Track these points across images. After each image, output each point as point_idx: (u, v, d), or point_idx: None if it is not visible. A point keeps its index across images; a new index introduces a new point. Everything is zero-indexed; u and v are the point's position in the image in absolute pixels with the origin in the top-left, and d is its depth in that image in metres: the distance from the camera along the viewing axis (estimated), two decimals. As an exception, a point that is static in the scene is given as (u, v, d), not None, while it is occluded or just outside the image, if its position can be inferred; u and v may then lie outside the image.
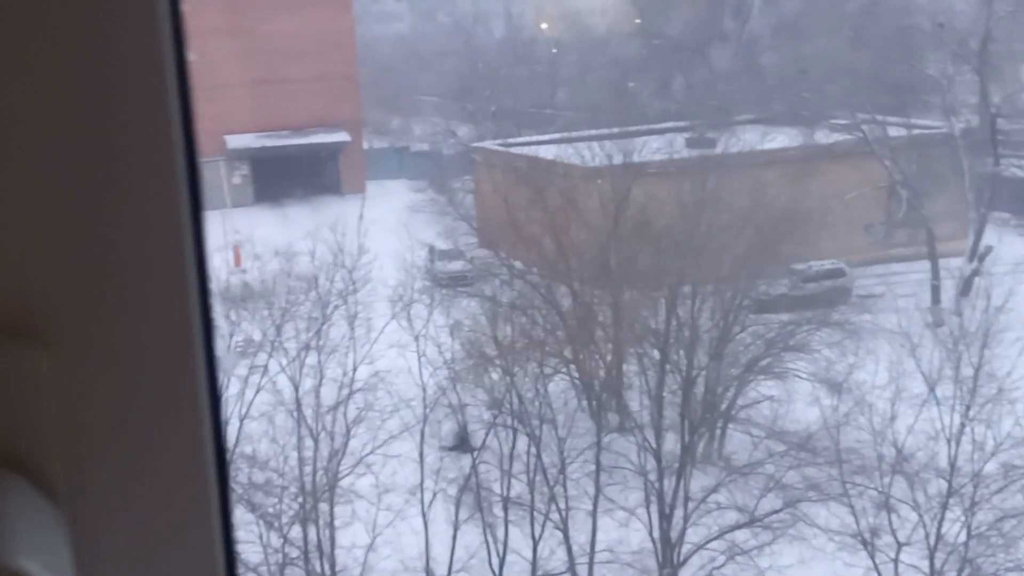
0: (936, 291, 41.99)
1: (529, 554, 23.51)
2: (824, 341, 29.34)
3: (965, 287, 39.43)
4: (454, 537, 23.23)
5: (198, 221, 1.53)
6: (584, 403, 28.41)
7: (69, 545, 1.48)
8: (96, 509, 1.54)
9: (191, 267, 1.51)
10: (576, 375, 29.01)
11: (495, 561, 23.33)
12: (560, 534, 24.41)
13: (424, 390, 24.59)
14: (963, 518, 22.93)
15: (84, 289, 1.48)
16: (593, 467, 25.29)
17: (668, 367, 27.28)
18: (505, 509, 23.81)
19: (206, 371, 1.56)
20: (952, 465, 23.16)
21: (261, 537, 22.93)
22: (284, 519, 22.88)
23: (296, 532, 22.72)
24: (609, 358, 30.28)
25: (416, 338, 25.84)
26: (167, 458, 1.60)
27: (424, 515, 23.19)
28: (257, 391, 23.99)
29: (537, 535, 23.77)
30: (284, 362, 23.90)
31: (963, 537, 22.81)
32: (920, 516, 23.12)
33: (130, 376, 1.54)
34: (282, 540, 22.73)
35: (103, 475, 1.55)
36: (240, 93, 61.17)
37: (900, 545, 23.12)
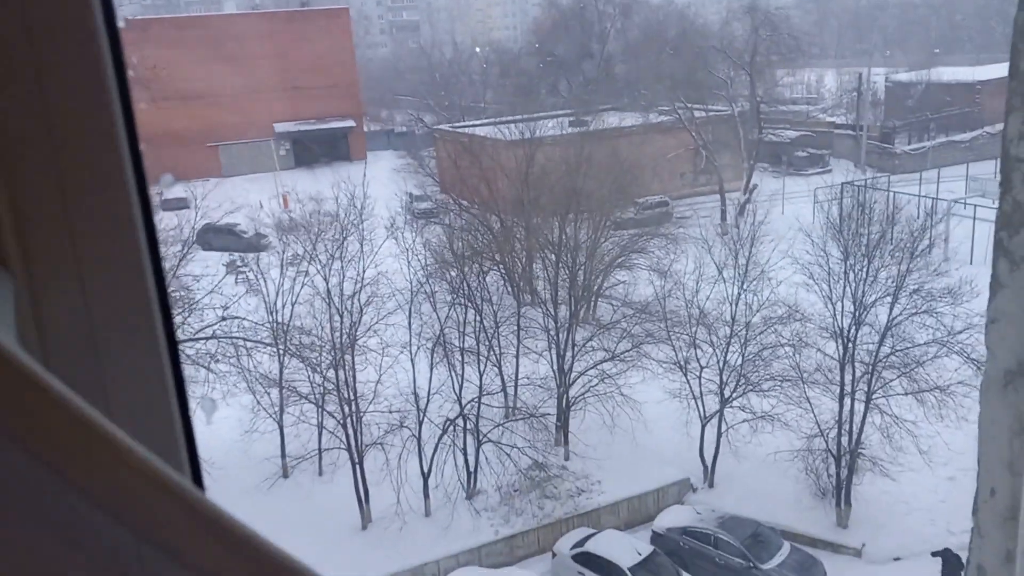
0: (723, 213, 42.84)
1: (476, 381, 23.80)
2: (656, 245, 29.79)
3: (741, 210, 40.08)
4: (431, 373, 23.38)
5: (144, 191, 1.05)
6: (508, 288, 28.64)
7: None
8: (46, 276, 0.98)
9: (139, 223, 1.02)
10: (503, 271, 29.23)
11: (456, 386, 23.51)
12: (496, 368, 24.90)
13: (411, 282, 24.61)
14: (740, 350, 23.54)
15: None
16: (515, 327, 25.69)
17: (561, 264, 27.46)
18: (461, 354, 23.99)
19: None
20: (733, 318, 23.62)
21: (308, 378, 23.08)
22: (323, 365, 23.00)
23: (331, 374, 22.93)
24: (524, 260, 30.55)
25: (403, 251, 25.86)
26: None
27: (412, 360, 23.26)
28: (301, 286, 23.93)
29: (482, 369, 24.06)
30: (318, 267, 23.77)
31: (740, 361, 23.44)
32: (714, 350, 23.68)
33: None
34: (322, 379, 22.90)
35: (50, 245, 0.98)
36: (283, 96, 59.71)
37: (702, 368, 23.72)
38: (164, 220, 26.57)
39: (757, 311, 23.56)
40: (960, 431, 21.91)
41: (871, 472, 21.83)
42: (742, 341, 23.39)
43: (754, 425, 22.99)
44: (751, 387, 23.10)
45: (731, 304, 23.64)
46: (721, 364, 23.34)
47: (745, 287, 23.71)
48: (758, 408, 23.00)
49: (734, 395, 23.26)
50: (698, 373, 23.62)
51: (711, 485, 23.64)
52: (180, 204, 40.87)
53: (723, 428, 23.33)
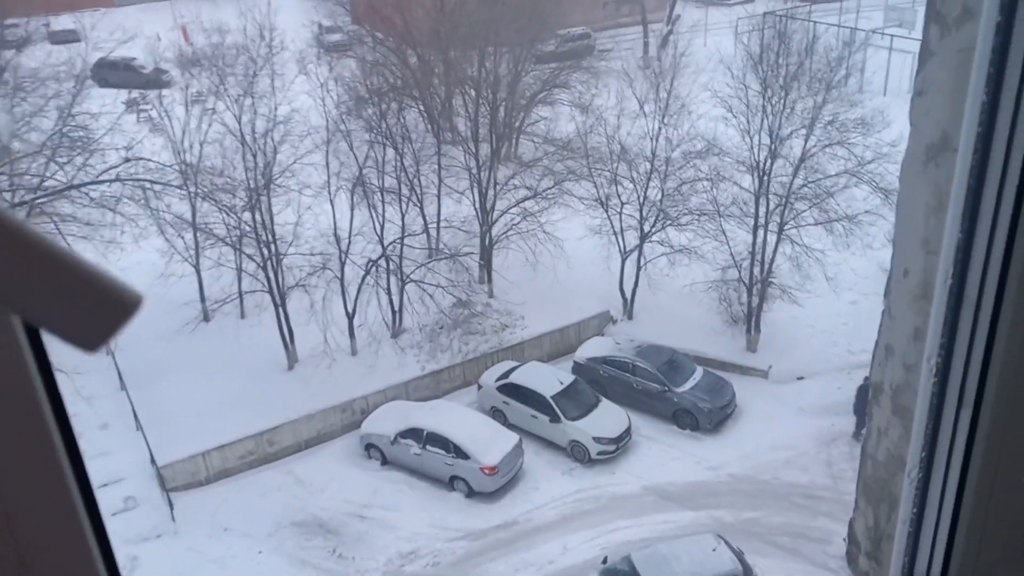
0: (646, 45, 41.93)
1: (398, 221, 23.58)
2: (578, 80, 29.21)
3: (663, 42, 39.29)
4: (351, 214, 23.00)
5: None
6: (428, 126, 27.93)
7: None
8: None
9: None
10: (422, 107, 28.39)
11: (377, 227, 23.25)
12: (418, 209, 24.66)
13: (326, 120, 23.65)
14: (659, 185, 23.73)
15: None
16: (436, 166, 25.21)
17: (481, 100, 26.77)
18: (382, 194, 23.57)
19: None
20: (653, 153, 23.65)
21: (224, 221, 22.43)
22: (239, 207, 22.30)
23: (247, 216, 22.29)
24: (443, 96, 29.66)
25: (316, 87, 24.71)
26: None
27: (331, 201, 22.81)
28: (210, 124, 22.79)
29: (404, 210, 23.82)
30: (227, 104, 22.56)
31: (659, 196, 23.72)
32: (635, 186, 23.84)
33: None
34: (238, 221, 22.30)
35: None
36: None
37: (623, 204, 24.00)
38: (53, 54, 24.64)
39: (677, 146, 23.62)
40: (865, 258, 23.06)
41: (780, 299, 22.96)
42: (662, 176, 23.59)
43: (672, 258, 23.67)
44: (670, 221, 23.54)
45: (652, 139, 23.61)
46: (641, 200, 23.61)
47: (666, 121, 23.64)
48: (676, 242, 23.60)
49: (653, 230, 23.71)
50: (619, 209, 23.89)
51: (630, 317, 24.53)
52: (70, 36, 37.87)
53: (642, 262, 23.95)
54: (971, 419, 1.31)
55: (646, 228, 23.70)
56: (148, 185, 21.82)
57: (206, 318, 23.36)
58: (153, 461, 19.70)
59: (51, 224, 21.33)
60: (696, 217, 23.22)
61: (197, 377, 21.58)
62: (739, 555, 16.71)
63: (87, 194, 21.21)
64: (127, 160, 21.55)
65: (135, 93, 29.37)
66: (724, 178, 23.27)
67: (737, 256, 22.89)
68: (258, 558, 18.22)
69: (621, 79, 26.07)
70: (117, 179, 21.35)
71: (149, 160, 22.30)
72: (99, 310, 0.69)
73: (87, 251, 21.70)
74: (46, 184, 20.83)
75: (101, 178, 21.23)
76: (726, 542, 16.92)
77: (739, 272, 22.91)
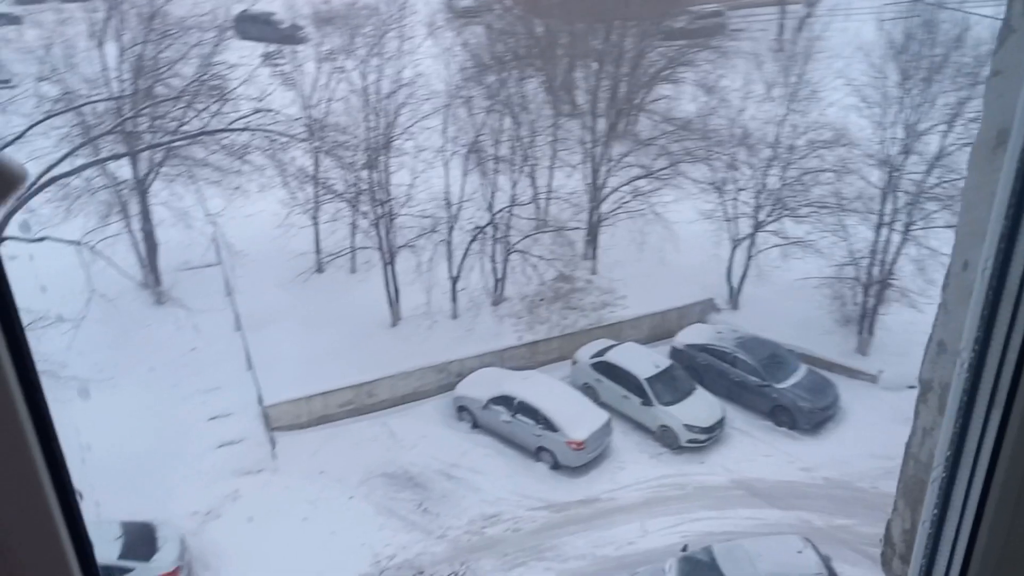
0: (781, 27, 40.18)
1: (508, 190, 23.68)
2: (705, 59, 28.34)
3: (800, 24, 37.55)
4: (463, 180, 23.18)
5: None
6: (547, 96, 27.78)
7: None
8: None
9: None
10: (543, 78, 28.25)
11: (488, 194, 23.45)
12: (529, 179, 24.69)
13: (448, 86, 23.90)
14: (779, 173, 22.93)
15: None
16: (551, 138, 25.15)
17: (603, 75, 26.45)
18: (495, 162, 23.71)
19: None
20: (777, 140, 22.86)
21: (343, 178, 23.11)
22: (358, 165, 22.92)
23: (365, 174, 22.87)
24: (565, 67, 29.43)
25: (442, 52, 25.08)
26: None
27: (445, 165, 23.00)
28: (338, 82, 23.46)
29: (515, 179, 23.90)
30: (356, 63, 23.13)
31: (778, 184, 22.94)
32: (753, 172, 23.18)
33: None
34: (356, 178, 22.94)
35: None
36: None
37: (739, 190, 23.38)
38: (199, 4, 25.83)
39: (803, 134, 22.71)
40: (995, 268, 21.53)
41: (899, 303, 21.85)
42: (783, 164, 22.76)
43: (785, 250, 22.87)
44: (787, 212, 22.73)
45: (776, 125, 22.79)
46: (759, 187, 22.90)
47: (793, 107, 22.75)
48: (791, 233, 22.77)
49: (769, 219, 22.97)
50: (734, 195, 23.25)
51: (735, 307, 23.92)
52: (215, -11, 39.66)
53: (753, 251, 23.28)
54: (1000, 420, 1.23)
55: (761, 217, 22.99)
56: (275, 137, 22.71)
57: (319, 269, 24.25)
58: (260, 400, 20.71)
59: (184, 167, 22.56)
60: (816, 209, 22.31)
61: (307, 325, 22.47)
62: (826, 561, 16.18)
63: (218, 141, 22.27)
64: (258, 111, 22.46)
65: (272, 47, 30.44)
66: (850, 170, 22.24)
67: (856, 253, 21.91)
68: (349, 503, 18.93)
69: (750, 61, 25.22)
70: (246, 128, 22.31)
71: (278, 112, 23.19)
72: None
73: (215, 196, 22.89)
74: (182, 128, 21.98)
75: (232, 126, 22.22)
76: (813, 546, 16.41)
77: (856, 270, 21.94)
